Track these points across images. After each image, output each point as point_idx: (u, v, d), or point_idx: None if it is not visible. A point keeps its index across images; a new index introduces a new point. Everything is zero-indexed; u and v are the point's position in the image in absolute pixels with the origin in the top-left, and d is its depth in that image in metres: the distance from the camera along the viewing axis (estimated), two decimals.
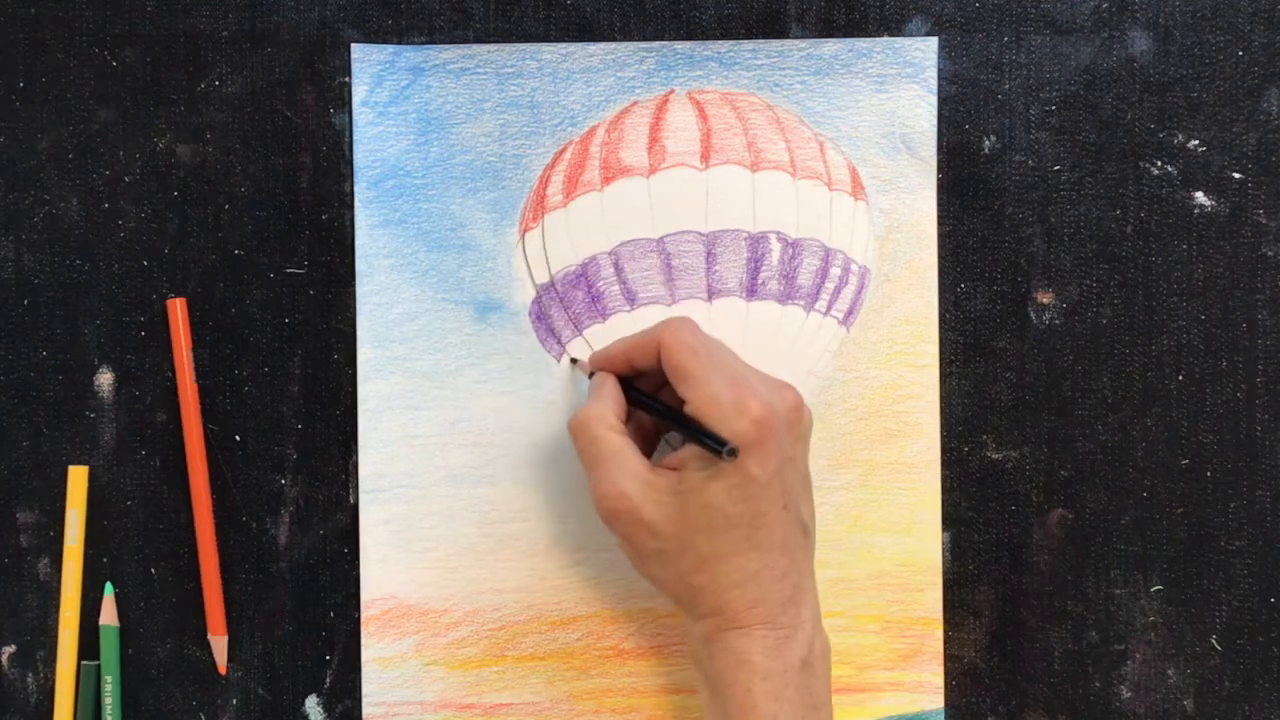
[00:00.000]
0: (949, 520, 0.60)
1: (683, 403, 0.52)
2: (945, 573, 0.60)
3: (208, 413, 0.60)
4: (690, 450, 0.52)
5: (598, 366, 0.56)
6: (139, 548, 0.60)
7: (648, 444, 0.57)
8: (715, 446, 0.50)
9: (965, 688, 0.60)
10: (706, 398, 0.51)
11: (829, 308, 0.60)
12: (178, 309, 0.59)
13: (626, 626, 0.60)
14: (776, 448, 0.51)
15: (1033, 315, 0.60)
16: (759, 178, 0.59)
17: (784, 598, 0.51)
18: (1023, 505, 0.60)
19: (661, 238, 0.59)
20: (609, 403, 0.54)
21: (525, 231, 0.60)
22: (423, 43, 0.60)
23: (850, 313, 0.60)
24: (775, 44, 0.60)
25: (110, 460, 0.60)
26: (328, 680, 0.60)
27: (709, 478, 0.51)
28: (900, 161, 0.60)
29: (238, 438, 0.60)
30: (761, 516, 0.51)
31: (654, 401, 0.55)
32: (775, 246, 0.59)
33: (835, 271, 0.60)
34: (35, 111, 0.60)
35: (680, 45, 0.60)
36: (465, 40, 0.60)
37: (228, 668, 0.60)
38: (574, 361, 0.59)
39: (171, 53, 0.60)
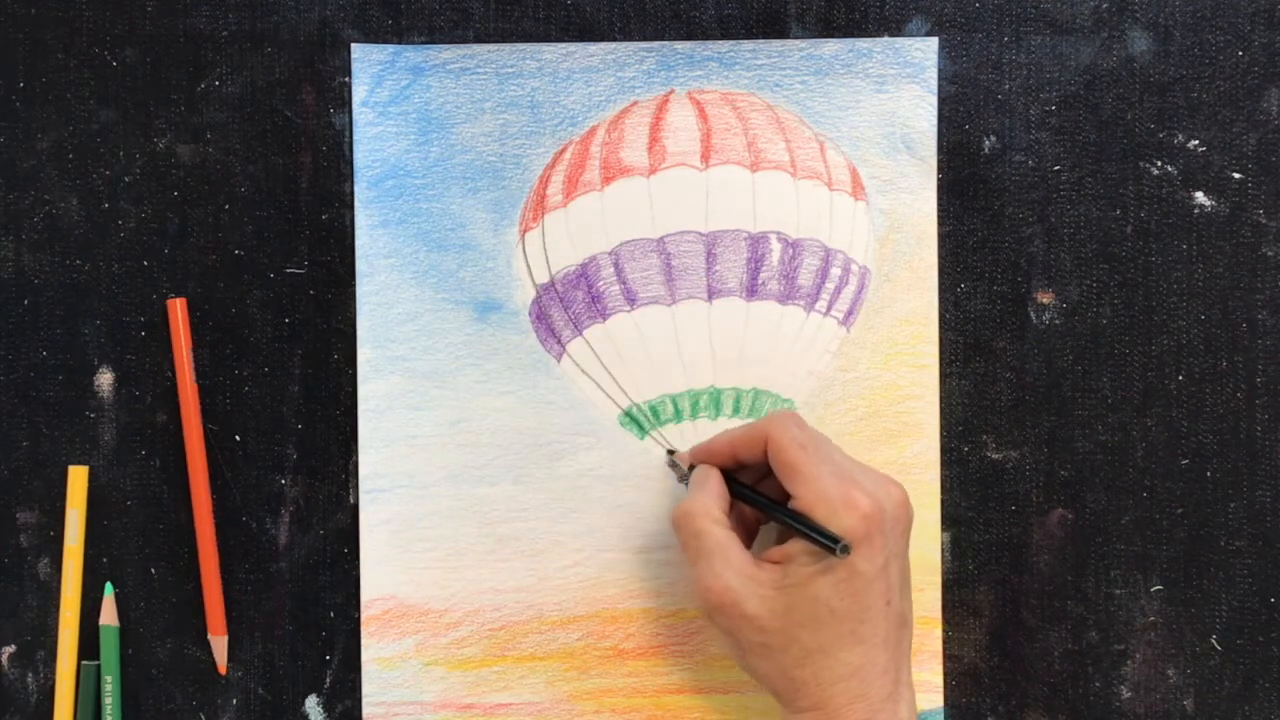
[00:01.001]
0: (949, 520, 0.60)
1: (786, 496, 0.53)
2: (945, 573, 0.60)
3: (208, 413, 0.60)
4: (797, 545, 0.52)
5: (700, 460, 0.57)
6: (139, 548, 0.60)
7: (748, 535, 0.57)
8: (829, 544, 0.50)
9: (965, 688, 0.60)
10: (816, 494, 0.51)
11: (829, 308, 0.60)
12: (178, 309, 0.59)
13: (626, 626, 0.60)
14: (884, 544, 0.51)
15: (1033, 315, 0.60)
16: (759, 178, 0.59)
17: (885, 693, 0.52)
18: (1023, 505, 0.60)
19: (661, 238, 0.59)
20: (713, 496, 0.55)
21: (525, 231, 0.60)
22: (423, 43, 0.60)
23: (850, 313, 0.60)
24: (775, 44, 0.60)
25: (110, 460, 0.60)
26: (328, 680, 0.60)
27: (817, 573, 0.51)
28: (900, 161, 0.60)
29: (238, 438, 0.60)
30: (867, 611, 0.51)
31: (760, 496, 0.55)
32: (775, 246, 0.59)
33: (835, 271, 0.60)
34: (35, 111, 0.60)
35: (680, 45, 0.60)
36: (465, 40, 0.60)
37: (228, 668, 0.60)
38: (671, 453, 0.60)
39: (171, 53, 0.60)
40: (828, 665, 0.51)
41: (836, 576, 0.51)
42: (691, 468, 0.57)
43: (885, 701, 0.52)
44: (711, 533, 0.53)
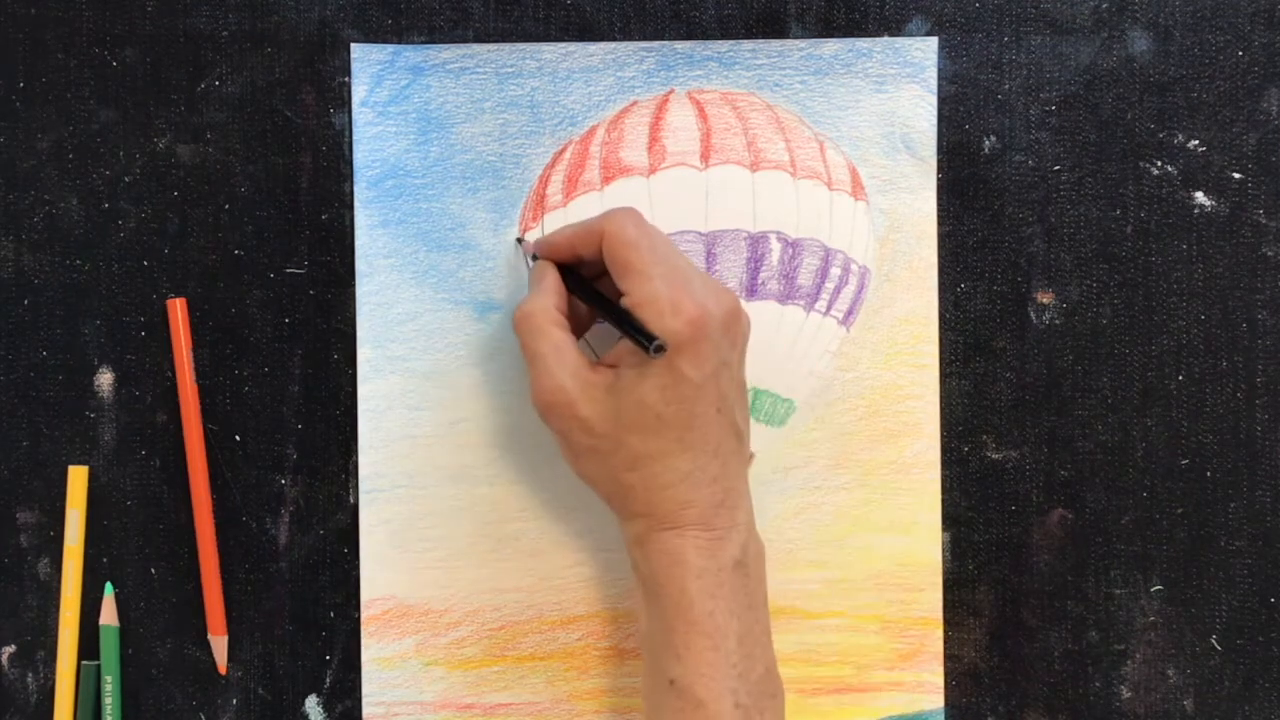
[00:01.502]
0: (949, 520, 0.60)
1: (620, 296, 0.52)
2: (945, 573, 0.60)
3: (208, 413, 0.60)
4: (626, 347, 0.51)
5: (541, 253, 0.56)
6: (139, 548, 0.60)
7: (581, 331, 0.56)
8: (644, 342, 0.49)
9: (965, 688, 0.60)
10: (644, 294, 0.51)
11: (829, 308, 0.60)
12: (178, 309, 0.59)
13: (626, 626, 0.60)
14: (712, 350, 0.50)
15: (1033, 315, 0.60)
16: (759, 178, 0.59)
17: (716, 501, 0.51)
18: (1023, 505, 0.60)
19: None
20: (550, 295, 0.54)
21: (525, 231, 0.60)
22: (422, 42, 0.60)
23: (850, 313, 0.60)
24: (775, 44, 0.60)
25: (110, 460, 0.60)
26: (328, 680, 0.60)
27: (643, 376, 0.50)
28: (900, 161, 0.60)
29: (238, 438, 0.60)
30: (695, 419, 0.51)
31: (592, 292, 0.54)
32: (775, 246, 0.59)
33: (835, 271, 0.60)
34: (35, 111, 0.60)
35: (680, 45, 0.60)
36: (465, 40, 0.60)
37: (228, 668, 0.60)
38: (519, 241, 0.59)
39: (171, 53, 0.60)
40: (655, 472, 0.51)
41: (663, 381, 0.50)
42: (534, 261, 0.56)
43: (718, 508, 0.51)
44: (548, 333, 0.52)
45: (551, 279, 0.54)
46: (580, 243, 0.54)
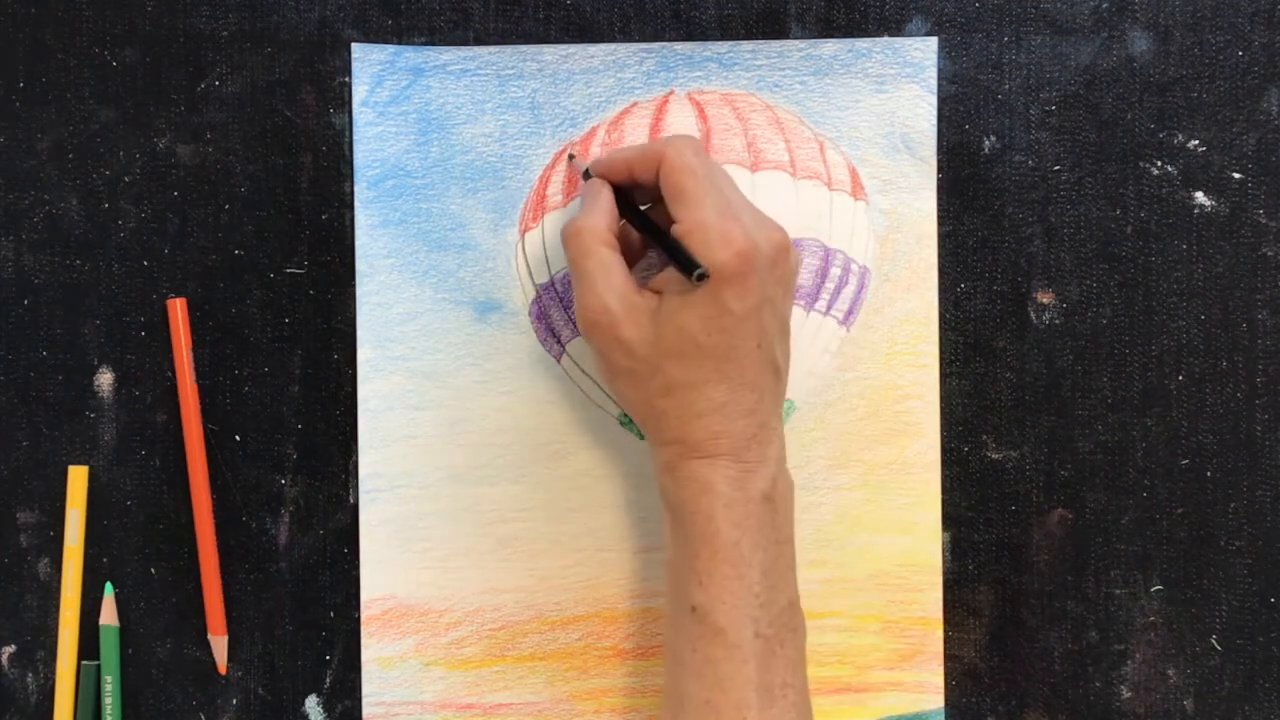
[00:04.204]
0: (949, 520, 0.60)
1: (672, 223, 0.52)
2: (945, 573, 0.60)
3: (208, 413, 0.60)
4: (671, 273, 0.51)
5: (598, 171, 0.55)
6: (139, 548, 0.60)
7: (633, 255, 0.56)
8: (688, 269, 0.50)
9: (965, 688, 0.60)
10: (695, 222, 0.50)
11: (829, 308, 0.60)
12: (178, 309, 0.59)
13: (626, 626, 0.60)
14: (757, 284, 0.50)
15: (1033, 315, 0.60)
16: (759, 178, 0.59)
17: (748, 434, 0.51)
18: (1023, 505, 0.60)
19: None
20: (602, 214, 0.53)
21: (525, 231, 0.60)
22: (423, 43, 0.60)
23: (850, 313, 0.60)
24: (775, 44, 0.60)
25: (110, 460, 0.60)
26: (328, 680, 0.60)
27: (686, 303, 0.50)
28: (900, 161, 0.60)
29: (238, 438, 0.60)
30: (734, 350, 0.51)
31: (643, 217, 0.54)
32: None
33: (835, 271, 0.60)
34: (35, 111, 0.60)
35: (680, 46, 0.60)
36: (465, 41, 0.60)
37: (228, 668, 0.60)
38: (572, 157, 0.59)
39: (171, 53, 0.60)
40: (690, 399, 0.51)
41: (705, 311, 0.50)
42: (588, 175, 0.56)
43: (750, 441, 0.51)
44: (598, 252, 0.52)
45: (606, 198, 0.54)
46: (638, 164, 0.54)
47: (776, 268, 0.52)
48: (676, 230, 0.51)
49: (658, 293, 0.52)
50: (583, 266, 0.52)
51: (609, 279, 0.52)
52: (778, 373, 0.53)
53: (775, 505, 0.52)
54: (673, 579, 0.52)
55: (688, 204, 0.51)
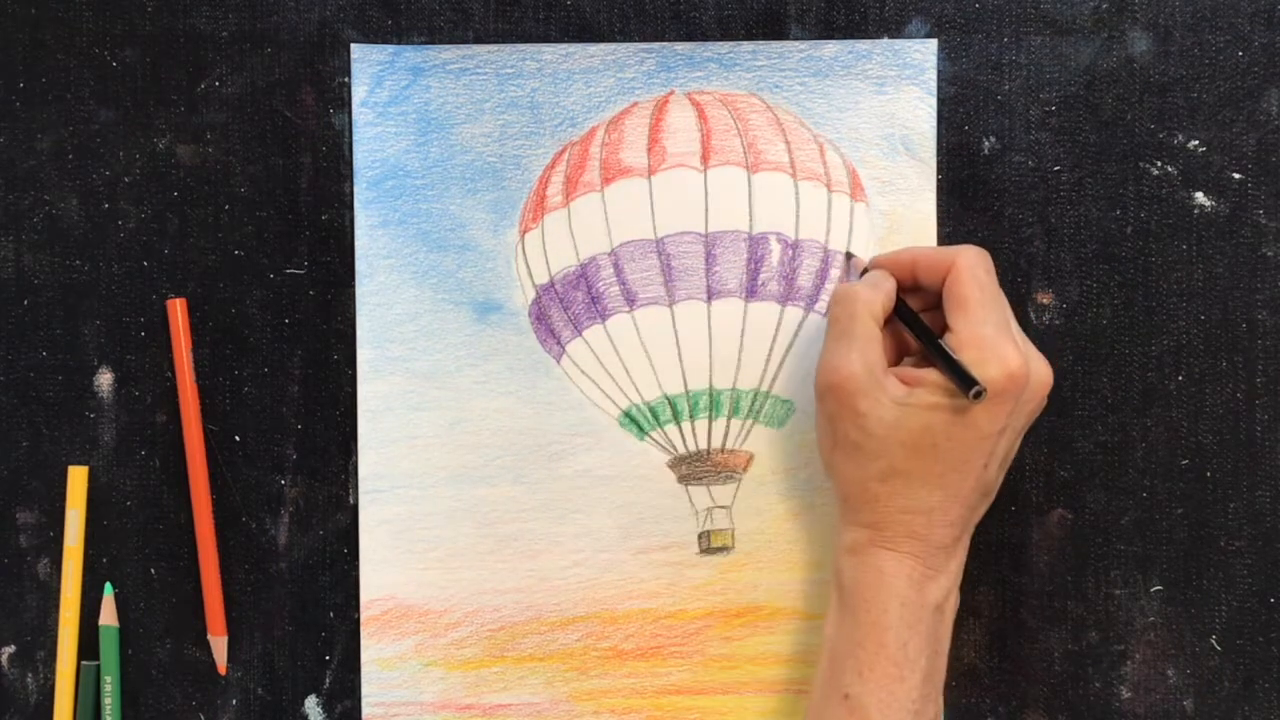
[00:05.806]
0: None
1: (944, 331, 0.52)
2: None
3: (208, 413, 0.60)
4: (932, 374, 0.51)
5: (881, 266, 0.56)
6: (139, 548, 0.60)
7: (893, 356, 0.56)
8: (965, 384, 0.50)
9: (965, 688, 0.60)
10: (973, 335, 0.51)
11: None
12: (178, 309, 0.59)
13: (626, 627, 0.60)
14: (1011, 411, 0.51)
15: (1033, 315, 0.60)
16: (758, 179, 0.59)
17: (943, 543, 0.52)
18: (1023, 505, 0.60)
19: (661, 238, 0.59)
20: (881, 294, 0.54)
21: (525, 232, 0.60)
22: (423, 43, 0.60)
23: None
24: (775, 45, 0.60)
25: (110, 460, 0.60)
26: (328, 680, 0.60)
27: (938, 406, 0.51)
28: (900, 163, 0.60)
29: (238, 438, 0.60)
30: (964, 464, 0.51)
31: (920, 321, 0.54)
32: (775, 247, 0.59)
33: (835, 273, 0.60)
34: (35, 111, 0.60)
35: (680, 46, 0.60)
36: (465, 40, 0.60)
37: (227, 668, 0.60)
38: (849, 256, 0.59)
39: (171, 53, 0.60)
40: (905, 492, 0.51)
41: (953, 419, 0.50)
42: (865, 271, 0.57)
43: (940, 550, 0.52)
44: (863, 320, 0.52)
45: (888, 288, 0.54)
46: (924, 265, 0.54)
47: (1031, 401, 0.53)
48: (952, 340, 0.51)
49: (905, 382, 0.52)
50: (846, 328, 0.52)
51: (866, 349, 0.52)
52: (988, 496, 0.54)
53: (944, 618, 0.53)
54: (830, 662, 0.53)
55: (969, 316, 0.51)
